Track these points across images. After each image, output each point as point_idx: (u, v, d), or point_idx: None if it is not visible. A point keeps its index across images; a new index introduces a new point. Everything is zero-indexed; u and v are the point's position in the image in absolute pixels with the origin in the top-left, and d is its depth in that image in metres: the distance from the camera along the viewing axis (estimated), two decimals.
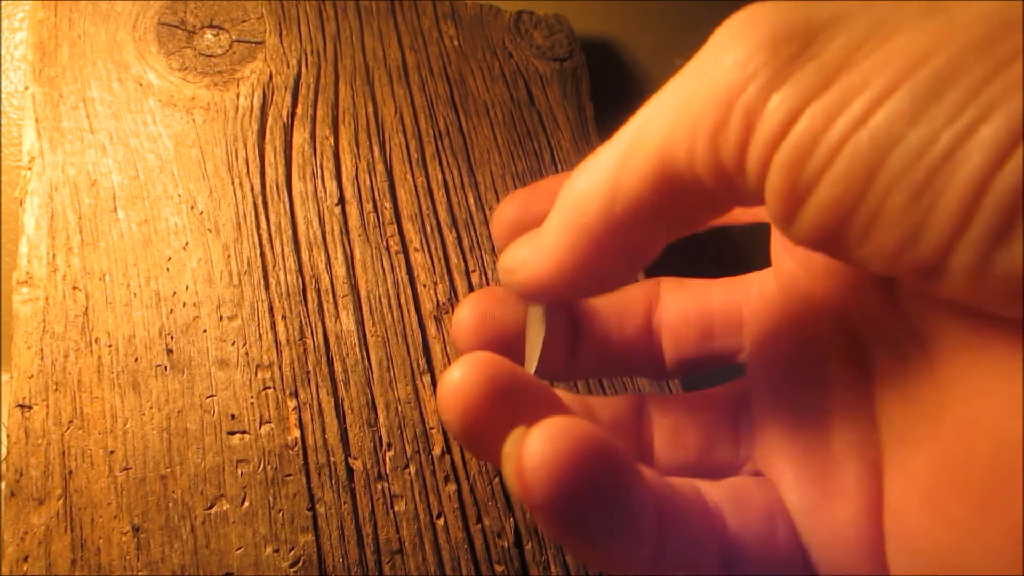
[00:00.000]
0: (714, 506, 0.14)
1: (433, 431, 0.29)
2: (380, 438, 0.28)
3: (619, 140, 0.13)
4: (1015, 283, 0.09)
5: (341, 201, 0.33)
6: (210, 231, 0.30)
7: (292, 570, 0.25)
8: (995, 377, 0.11)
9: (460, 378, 0.13)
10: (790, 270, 0.16)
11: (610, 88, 0.50)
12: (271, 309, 0.29)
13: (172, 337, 0.28)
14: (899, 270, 0.10)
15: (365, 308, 0.31)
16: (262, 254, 0.30)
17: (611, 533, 0.11)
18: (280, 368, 0.28)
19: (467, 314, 0.17)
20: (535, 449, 0.11)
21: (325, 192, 0.33)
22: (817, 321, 0.15)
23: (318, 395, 0.28)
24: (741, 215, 0.17)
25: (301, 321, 0.30)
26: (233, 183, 0.32)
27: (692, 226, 0.14)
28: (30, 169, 0.30)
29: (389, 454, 0.28)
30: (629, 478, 0.12)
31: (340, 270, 0.31)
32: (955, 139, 0.09)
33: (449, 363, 0.31)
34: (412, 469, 0.28)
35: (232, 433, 0.27)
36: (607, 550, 0.11)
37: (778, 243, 0.17)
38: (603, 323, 0.18)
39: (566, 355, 0.18)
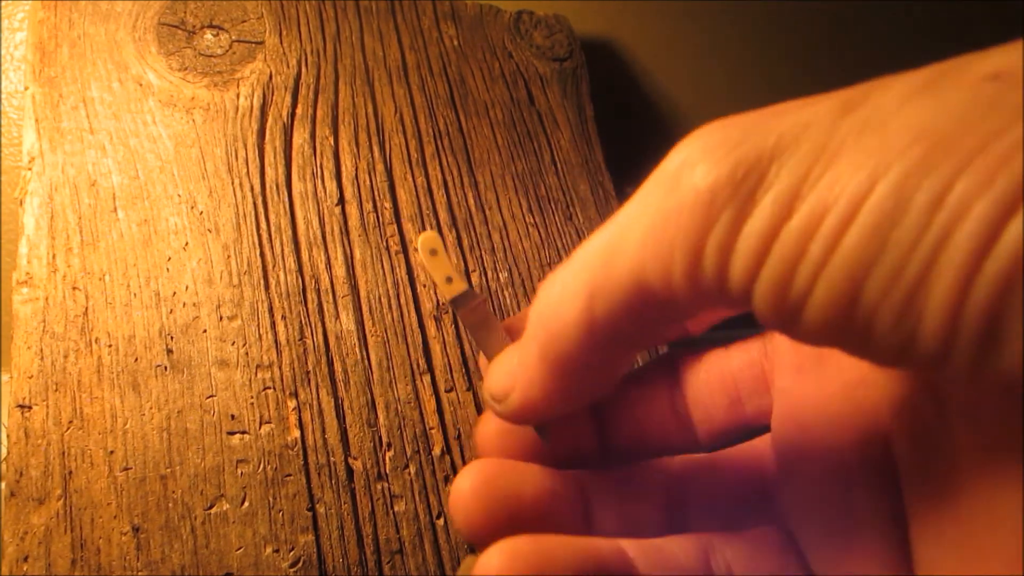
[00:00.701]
0: (724, 567, 0.15)
1: (433, 431, 0.29)
2: (380, 438, 0.28)
3: (582, 268, 0.13)
4: (1016, 379, 0.09)
5: (341, 201, 0.33)
6: (210, 231, 0.30)
7: (292, 570, 0.25)
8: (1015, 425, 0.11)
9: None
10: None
11: (610, 88, 0.50)
12: (271, 309, 0.29)
13: (172, 337, 0.28)
14: (904, 367, 0.11)
15: (365, 308, 0.31)
16: (262, 254, 0.30)
17: None
18: (280, 368, 0.28)
19: (467, 486, 0.15)
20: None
21: (325, 192, 0.33)
22: (836, 386, 0.15)
23: (318, 395, 0.28)
24: (711, 318, 0.18)
25: (301, 321, 0.30)
26: (233, 183, 0.32)
27: (672, 330, 0.14)
28: (30, 169, 0.30)
29: (389, 454, 0.28)
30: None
31: (340, 270, 0.31)
32: (923, 264, 0.09)
33: (449, 364, 0.31)
34: (412, 469, 0.28)
35: (232, 433, 0.27)
36: None
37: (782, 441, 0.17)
38: (629, 412, 0.18)
39: (597, 449, 0.18)
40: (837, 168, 0.10)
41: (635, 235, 0.12)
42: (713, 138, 0.12)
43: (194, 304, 0.29)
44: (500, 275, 0.34)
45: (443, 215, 0.35)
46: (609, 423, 0.18)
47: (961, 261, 0.09)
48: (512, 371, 0.16)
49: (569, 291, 0.13)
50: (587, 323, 0.13)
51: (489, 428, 0.17)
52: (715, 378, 0.18)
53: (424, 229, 0.34)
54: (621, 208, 0.13)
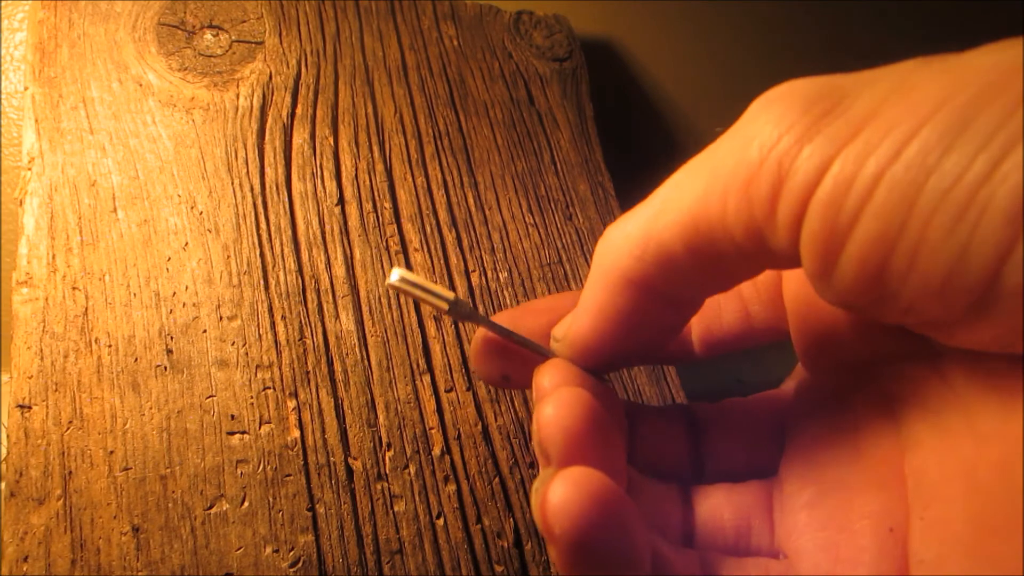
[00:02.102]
0: None
1: (433, 431, 0.29)
2: (380, 438, 0.28)
3: (652, 199, 0.14)
4: None
5: (341, 201, 0.33)
6: (210, 231, 0.30)
7: (292, 570, 0.25)
8: None
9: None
10: (819, 357, 0.17)
11: (610, 88, 0.50)
12: (271, 309, 0.29)
13: (172, 337, 0.28)
14: (943, 307, 0.10)
15: (365, 308, 0.31)
16: (262, 254, 0.30)
17: (611, 570, 0.12)
18: (280, 368, 0.28)
19: (551, 414, 0.14)
20: (559, 493, 0.12)
21: (325, 192, 0.33)
22: (850, 397, 0.16)
23: (318, 395, 0.28)
24: (760, 335, 0.18)
25: (301, 321, 0.30)
26: (233, 183, 0.32)
27: (722, 286, 0.14)
28: (30, 169, 0.30)
29: (389, 454, 0.28)
30: (634, 531, 0.13)
31: (340, 270, 0.31)
32: (989, 164, 0.09)
33: (449, 364, 0.31)
34: (412, 469, 0.28)
35: (232, 433, 0.27)
36: None
37: (804, 339, 0.17)
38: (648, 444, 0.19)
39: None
40: (915, 94, 0.10)
41: (703, 166, 0.13)
42: (791, 81, 0.12)
43: (194, 304, 0.29)
44: (500, 275, 0.34)
45: (443, 215, 0.35)
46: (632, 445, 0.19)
47: None
48: (572, 314, 0.16)
49: (633, 219, 0.14)
50: (641, 245, 0.13)
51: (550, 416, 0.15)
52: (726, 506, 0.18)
53: (424, 229, 0.34)
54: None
